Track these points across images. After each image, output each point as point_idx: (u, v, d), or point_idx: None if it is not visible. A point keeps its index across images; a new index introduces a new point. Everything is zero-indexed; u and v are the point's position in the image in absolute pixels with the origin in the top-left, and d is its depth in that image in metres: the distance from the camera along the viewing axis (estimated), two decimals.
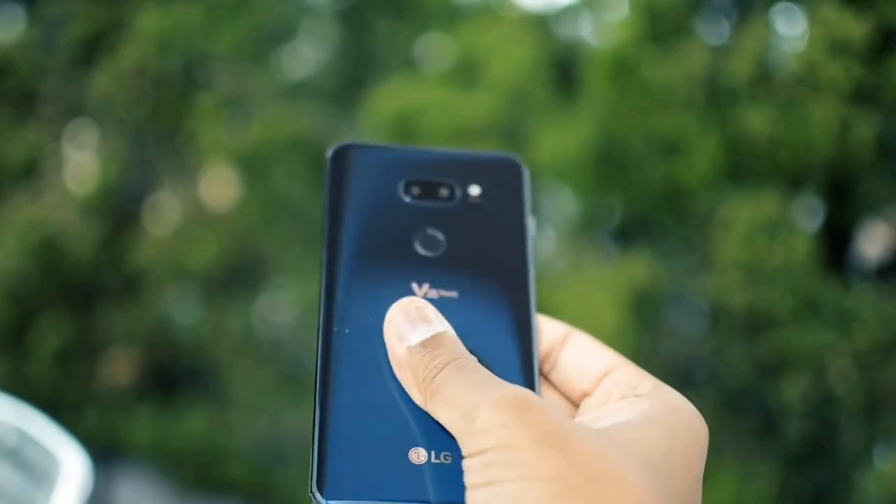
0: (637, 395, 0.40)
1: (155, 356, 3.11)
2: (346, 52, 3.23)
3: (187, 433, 2.94)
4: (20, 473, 1.50)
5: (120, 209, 3.16)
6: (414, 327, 0.42)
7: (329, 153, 0.48)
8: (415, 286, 0.45)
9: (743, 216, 2.17)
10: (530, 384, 0.43)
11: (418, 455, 0.42)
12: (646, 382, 0.41)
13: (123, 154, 3.13)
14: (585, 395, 0.42)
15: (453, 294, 0.45)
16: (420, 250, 0.46)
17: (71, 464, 1.41)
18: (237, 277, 3.06)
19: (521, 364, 0.43)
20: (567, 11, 3.03)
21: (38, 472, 1.47)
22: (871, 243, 2.43)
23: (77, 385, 3.09)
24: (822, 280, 2.18)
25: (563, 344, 0.44)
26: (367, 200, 0.47)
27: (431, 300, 0.44)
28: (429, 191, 0.47)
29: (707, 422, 0.40)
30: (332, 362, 0.44)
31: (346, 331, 0.44)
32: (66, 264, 3.05)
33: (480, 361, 0.41)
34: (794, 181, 2.26)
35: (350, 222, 0.47)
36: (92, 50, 3.13)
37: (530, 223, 0.47)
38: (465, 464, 0.38)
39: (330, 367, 0.43)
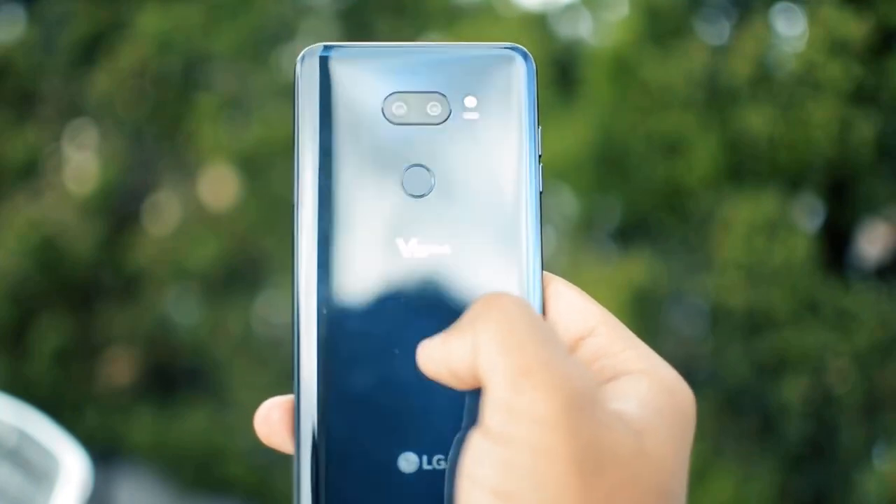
0: (631, 374, 0.34)
1: (155, 356, 3.11)
2: None
3: (187, 433, 2.94)
4: (20, 473, 1.50)
5: (120, 209, 3.16)
6: None
7: (297, 62, 0.40)
8: (400, 244, 0.38)
9: (743, 216, 2.17)
10: None
11: (408, 462, 0.37)
12: (628, 352, 0.35)
13: (123, 154, 3.13)
14: None
15: (445, 250, 0.38)
16: (406, 190, 0.38)
17: (71, 464, 1.41)
18: (237, 277, 3.06)
19: None
20: (567, 11, 3.03)
21: (38, 472, 1.47)
22: (871, 243, 2.43)
23: (77, 385, 3.09)
24: (821, 280, 2.18)
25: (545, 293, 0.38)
26: (344, 125, 0.39)
27: (420, 261, 0.38)
28: (416, 107, 0.39)
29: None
30: (308, 355, 0.38)
31: (324, 311, 0.38)
32: (66, 264, 3.05)
33: None
34: (794, 181, 2.26)
35: (323, 159, 0.39)
36: (92, 50, 3.13)
37: (537, 138, 0.39)
38: (476, 443, 0.31)
39: (306, 362, 0.38)
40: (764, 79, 2.21)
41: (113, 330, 3.11)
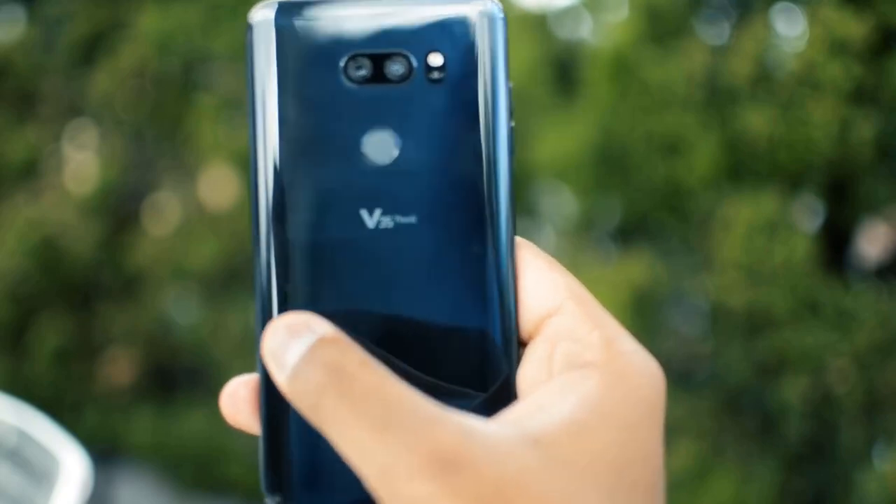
0: (584, 367, 0.33)
1: (155, 356, 3.11)
2: None
3: (187, 433, 2.94)
4: (20, 473, 1.50)
5: (120, 209, 3.16)
6: (293, 340, 0.32)
7: (248, 20, 0.37)
8: (364, 214, 0.35)
9: (743, 216, 2.17)
10: (508, 354, 0.35)
11: None
12: (593, 334, 0.33)
13: (123, 154, 3.13)
14: (529, 336, 0.35)
15: (411, 219, 0.35)
16: (369, 157, 0.36)
17: (71, 464, 1.41)
18: (237, 277, 3.06)
19: (498, 324, 0.35)
20: (567, 11, 3.03)
21: (38, 472, 1.47)
22: (871, 243, 2.43)
23: (77, 385, 3.09)
24: (821, 280, 2.18)
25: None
26: (301, 89, 0.36)
27: (386, 230, 0.35)
28: (378, 68, 0.36)
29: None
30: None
31: (287, 288, 0.35)
32: (66, 264, 3.05)
33: (446, 323, 0.35)
34: (794, 181, 2.26)
35: (280, 127, 0.36)
36: (92, 50, 3.13)
37: (509, 97, 0.37)
38: None
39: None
40: (764, 79, 2.21)
41: (113, 330, 3.11)
